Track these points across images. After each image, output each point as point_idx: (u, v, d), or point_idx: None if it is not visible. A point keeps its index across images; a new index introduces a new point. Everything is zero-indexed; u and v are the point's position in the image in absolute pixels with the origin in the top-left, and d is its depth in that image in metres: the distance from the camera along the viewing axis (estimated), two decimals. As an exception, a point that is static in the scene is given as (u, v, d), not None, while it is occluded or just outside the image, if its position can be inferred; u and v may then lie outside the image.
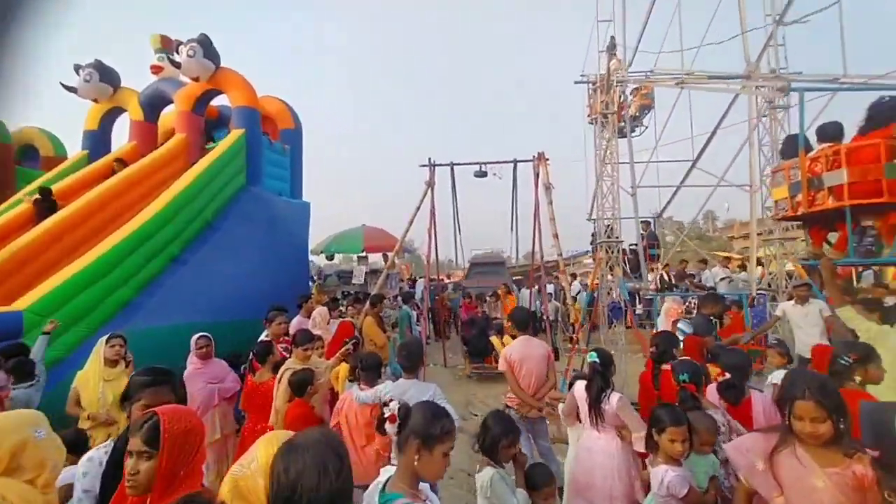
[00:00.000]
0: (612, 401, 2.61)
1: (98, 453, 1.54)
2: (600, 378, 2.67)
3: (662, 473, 2.02)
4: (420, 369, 2.73)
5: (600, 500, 2.48)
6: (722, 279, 10.11)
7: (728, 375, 2.62)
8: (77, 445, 2.15)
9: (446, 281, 13.74)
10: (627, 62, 6.73)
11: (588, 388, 2.70)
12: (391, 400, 1.54)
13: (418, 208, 7.90)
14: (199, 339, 3.71)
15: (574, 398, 2.85)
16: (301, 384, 2.98)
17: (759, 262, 11.25)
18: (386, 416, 1.45)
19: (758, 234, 6.47)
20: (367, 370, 2.90)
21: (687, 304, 7.22)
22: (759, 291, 6.25)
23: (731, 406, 2.54)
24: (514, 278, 19.31)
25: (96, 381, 3.27)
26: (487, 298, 10.31)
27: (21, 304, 4.57)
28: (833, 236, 5.00)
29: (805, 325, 5.00)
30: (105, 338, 3.39)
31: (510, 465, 2.14)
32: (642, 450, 2.48)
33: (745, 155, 6.78)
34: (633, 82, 6.78)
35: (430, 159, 8.22)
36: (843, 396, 1.88)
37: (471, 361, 8.09)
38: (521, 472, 2.10)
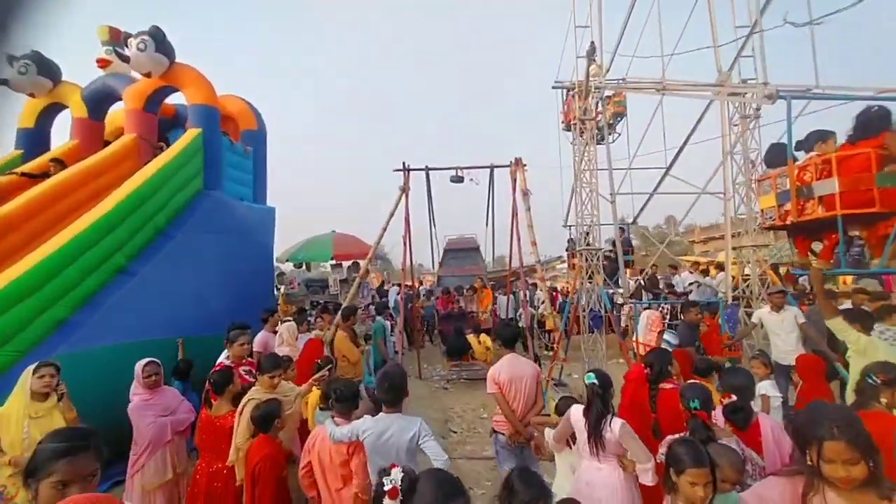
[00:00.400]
0: (615, 428, 2.39)
1: None
2: (600, 402, 2.46)
3: (682, 519, 1.81)
4: (403, 402, 2.41)
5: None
6: (691, 283, 10.32)
7: (733, 397, 2.47)
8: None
9: (419, 287, 13.39)
10: (605, 68, 6.70)
11: (587, 413, 2.48)
12: (392, 466, 1.24)
13: (392, 214, 7.57)
14: (146, 365, 3.25)
15: (569, 424, 2.62)
16: (265, 419, 2.61)
17: (721, 268, 11.60)
18: (385, 488, 1.15)
19: (731, 238, 6.52)
20: (343, 401, 2.56)
21: (661, 309, 7.26)
22: (733, 298, 6.30)
23: (738, 430, 2.38)
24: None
25: (20, 419, 2.80)
26: (465, 292, 10.25)
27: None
28: (818, 246, 5.06)
29: (781, 332, 5.03)
30: (32, 367, 2.90)
31: None
32: (649, 483, 2.28)
33: (715, 162, 6.88)
34: (612, 88, 6.73)
35: (404, 163, 7.92)
36: (871, 420, 1.74)
37: (449, 359, 8.13)
38: None
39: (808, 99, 5.00)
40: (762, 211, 5.33)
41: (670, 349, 4.07)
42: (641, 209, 8.83)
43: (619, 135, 9.71)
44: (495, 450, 3.26)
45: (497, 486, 4.19)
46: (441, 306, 10.33)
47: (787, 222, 4.90)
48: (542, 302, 10.34)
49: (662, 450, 2.47)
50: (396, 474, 1.17)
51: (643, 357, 3.15)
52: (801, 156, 5.10)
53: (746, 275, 6.46)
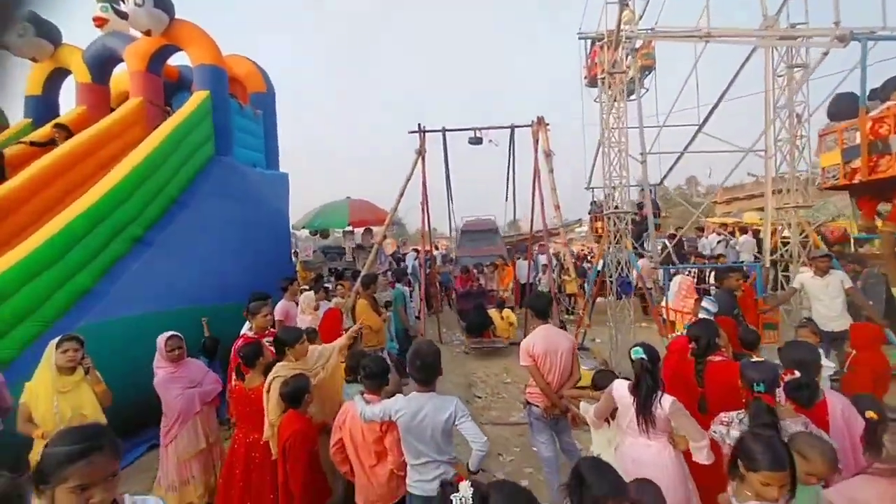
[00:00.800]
0: (665, 405, 2.24)
1: None
2: (650, 378, 2.29)
3: (751, 511, 1.65)
4: (436, 380, 2.27)
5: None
6: (719, 242, 9.96)
7: (796, 373, 2.27)
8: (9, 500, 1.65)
9: (435, 252, 13.24)
10: (638, 15, 6.12)
11: (635, 390, 2.33)
12: (458, 480, 1.08)
13: (408, 178, 7.30)
14: (168, 339, 3.17)
15: (612, 400, 2.48)
16: (294, 395, 2.52)
17: (745, 230, 11.15)
18: None
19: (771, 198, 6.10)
20: (372, 378, 2.44)
21: (689, 274, 7.00)
22: (770, 262, 5.99)
23: (802, 409, 2.20)
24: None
25: (49, 394, 2.77)
26: (484, 270, 9.76)
27: (-43, 299, 3.93)
28: (885, 207, 4.67)
29: (825, 298, 4.78)
30: (55, 341, 2.84)
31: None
32: (704, 461, 2.14)
33: (751, 119, 6.37)
34: (647, 37, 6.17)
35: (419, 125, 7.55)
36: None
37: (469, 337, 7.78)
38: None
39: (888, 40, 4.41)
40: (823, 169, 4.89)
41: (710, 317, 3.86)
42: (670, 169, 8.41)
43: (647, 90, 9.10)
44: (529, 421, 3.17)
45: (526, 453, 4.20)
46: (459, 285, 9.48)
47: (854, 181, 4.46)
48: (556, 267, 10.08)
49: (714, 427, 2.32)
50: (466, 490, 1.01)
51: (689, 331, 2.94)
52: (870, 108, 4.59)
53: (786, 237, 6.11)
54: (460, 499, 0.99)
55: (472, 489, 1.02)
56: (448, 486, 1.05)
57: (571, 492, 1.54)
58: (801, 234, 5.89)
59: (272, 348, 3.48)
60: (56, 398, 2.76)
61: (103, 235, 4.78)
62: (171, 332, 3.21)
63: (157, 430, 3.33)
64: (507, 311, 8.19)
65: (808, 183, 5.89)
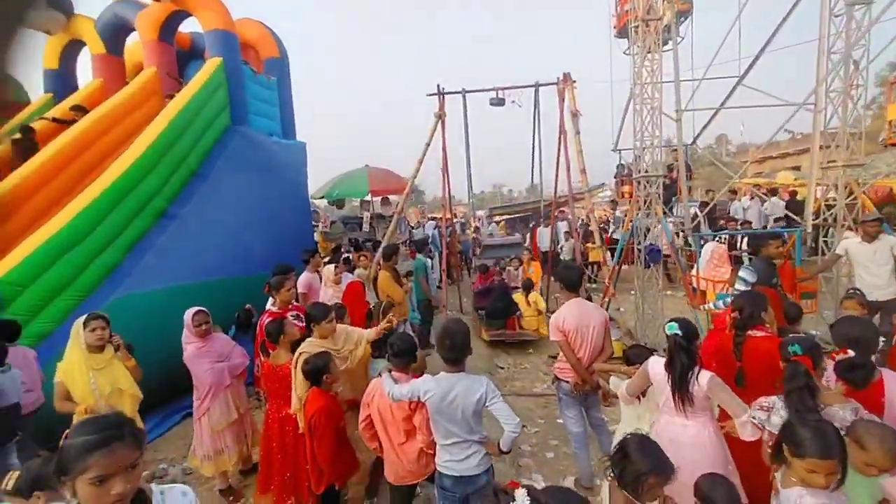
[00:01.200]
0: (703, 381, 2.14)
1: None
2: (684, 355, 2.18)
3: (797, 498, 1.56)
4: (466, 360, 2.20)
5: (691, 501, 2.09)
6: (745, 209, 9.46)
7: (849, 352, 2.11)
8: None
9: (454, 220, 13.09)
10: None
11: (669, 367, 2.22)
12: (512, 485, 1.02)
13: (428, 144, 7.06)
14: (195, 315, 3.19)
15: (646, 377, 2.38)
16: (314, 373, 2.52)
17: (775, 192, 10.51)
18: None
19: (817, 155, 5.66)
20: (400, 356, 2.40)
21: (721, 241, 6.68)
22: (812, 226, 5.63)
23: (854, 391, 2.05)
24: (518, 216, 18.63)
25: (84, 372, 2.80)
26: (508, 268, 8.39)
27: (-6, 274, 4.05)
28: None
29: (872, 265, 4.49)
30: (82, 320, 2.84)
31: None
32: (748, 437, 2.04)
33: (796, 70, 5.80)
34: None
35: (438, 86, 7.23)
36: None
37: (487, 326, 6.55)
38: None
39: None
40: (890, 123, 4.44)
41: (748, 288, 3.66)
42: (704, 127, 7.85)
43: (683, 38, 8.41)
44: (558, 396, 3.12)
45: (551, 424, 4.20)
46: (480, 282, 8.09)
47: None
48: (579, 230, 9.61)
49: (754, 413, 2.20)
50: (523, 500, 0.94)
51: (734, 300, 2.77)
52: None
53: (830, 199, 5.71)
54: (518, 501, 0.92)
55: (528, 498, 0.95)
56: (503, 494, 0.98)
57: (614, 464, 1.60)
58: (847, 195, 5.49)
59: (298, 323, 3.50)
60: (92, 375, 2.81)
61: (128, 210, 4.83)
62: (197, 308, 3.23)
63: (189, 400, 3.43)
64: (535, 295, 6.92)
65: (860, 138, 5.43)
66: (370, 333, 3.07)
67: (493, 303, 6.64)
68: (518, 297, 6.86)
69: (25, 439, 3.16)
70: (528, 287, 7.11)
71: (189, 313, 3.20)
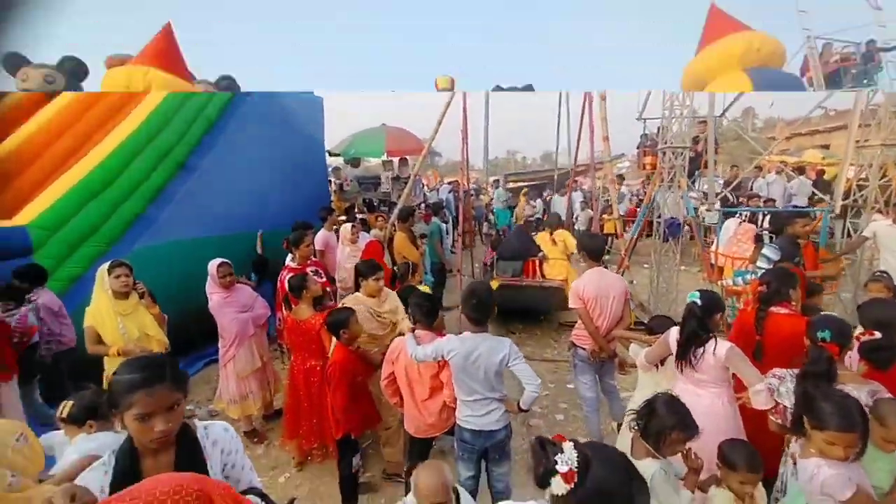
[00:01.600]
0: (720, 352, 2.17)
1: (95, 477, 1.14)
2: (696, 323, 2.21)
3: (814, 468, 1.59)
4: (489, 320, 2.24)
5: (703, 471, 2.16)
6: (769, 184, 9.19)
7: (876, 334, 2.10)
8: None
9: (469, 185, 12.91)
10: None
11: (680, 333, 2.26)
12: (558, 438, 1.04)
13: (448, 104, 6.86)
14: (220, 266, 3.26)
15: (667, 346, 2.42)
16: (333, 326, 2.59)
17: (802, 171, 10.16)
18: (560, 468, 0.96)
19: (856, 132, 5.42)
20: (426, 315, 2.44)
21: (741, 218, 6.54)
22: (841, 207, 5.47)
23: (876, 372, 2.06)
24: (532, 184, 18.27)
25: (112, 317, 2.85)
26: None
27: (22, 218, 4.12)
28: None
29: (901, 250, 4.39)
30: (106, 266, 2.88)
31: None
32: (762, 406, 2.08)
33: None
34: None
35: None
36: None
37: (499, 272, 5.57)
38: (693, 476, 1.76)
39: None
40: None
41: (770, 266, 3.63)
42: (735, 99, 7.55)
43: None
44: (573, 363, 3.18)
45: (560, 388, 4.31)
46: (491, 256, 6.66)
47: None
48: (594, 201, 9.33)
49: (768, 379, 2.22)
50: (571, 453, 0.96)
51: (762, 274, 2.75)
52: None
53: (862, 179, 5.51)
54: (567, 461, 0.95)
55: (575, 451, 0.98)
56: (551, 446, 1.01)
57: (640, 417, 1.70)
58: (881, 176, 5.29)
59: (318, 279, 3.55)
60: (120, 320, 2.89)
61: (150, 160, 4.82)
62: (221, 260, 3.29)
63: (211, 349, 3.55)
64: (562, 233, 5.67)
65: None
66: (404, 326, 2.97)
67: (508, 246, 5.64)
68: (541, 236, 5.75)
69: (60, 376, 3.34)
70: (553, 224, 5.99)
71: (213, 264, 3.26)
